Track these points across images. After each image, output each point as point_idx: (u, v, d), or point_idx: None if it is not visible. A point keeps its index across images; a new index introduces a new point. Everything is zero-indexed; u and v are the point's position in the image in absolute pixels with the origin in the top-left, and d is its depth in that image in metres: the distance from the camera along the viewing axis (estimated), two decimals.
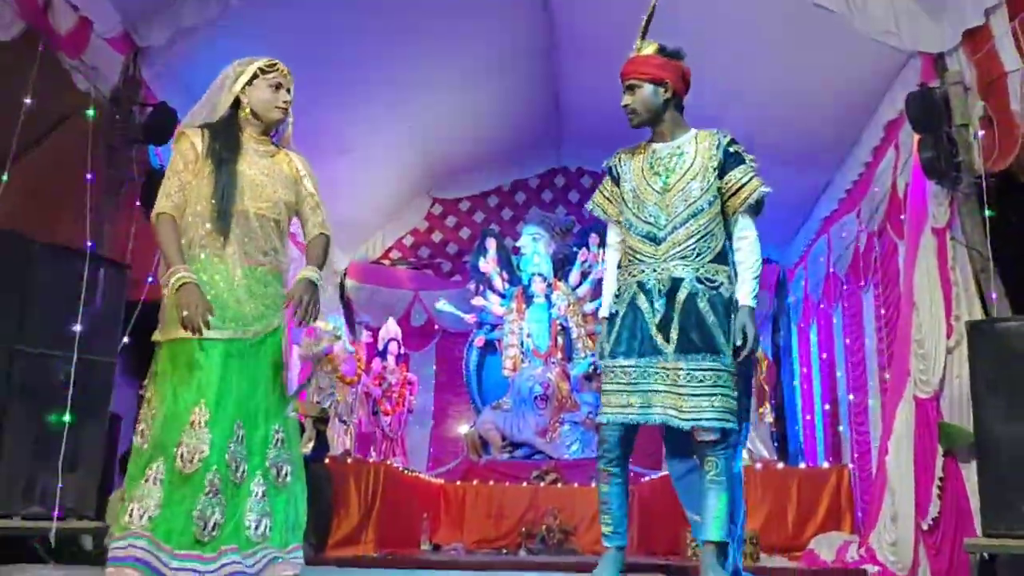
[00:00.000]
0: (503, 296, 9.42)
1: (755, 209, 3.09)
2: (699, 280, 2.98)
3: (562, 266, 9.48)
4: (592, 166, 10.02)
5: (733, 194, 3.07)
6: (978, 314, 4.36)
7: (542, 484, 7.75)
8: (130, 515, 2.59)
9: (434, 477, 8.11)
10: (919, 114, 4.66)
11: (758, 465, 6.60)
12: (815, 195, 7.49)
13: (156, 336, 2.88)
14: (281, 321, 2.98)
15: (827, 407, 7.70)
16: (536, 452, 8.61)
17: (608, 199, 3.27)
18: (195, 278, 2.75)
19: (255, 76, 3.04)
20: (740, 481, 3.18)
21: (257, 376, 2.86)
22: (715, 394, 2.89)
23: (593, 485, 7.57)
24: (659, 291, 2.99)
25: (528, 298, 9.22)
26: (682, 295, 2.96)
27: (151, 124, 5.20)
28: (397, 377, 8.65)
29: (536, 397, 8.67)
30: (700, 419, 2.88)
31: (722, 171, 3.07)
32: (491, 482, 7.85)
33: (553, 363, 8.95)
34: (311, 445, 5.96)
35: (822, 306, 7.77)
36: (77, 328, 4.22)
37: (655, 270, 3.01)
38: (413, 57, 6.97)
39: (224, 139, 3.00)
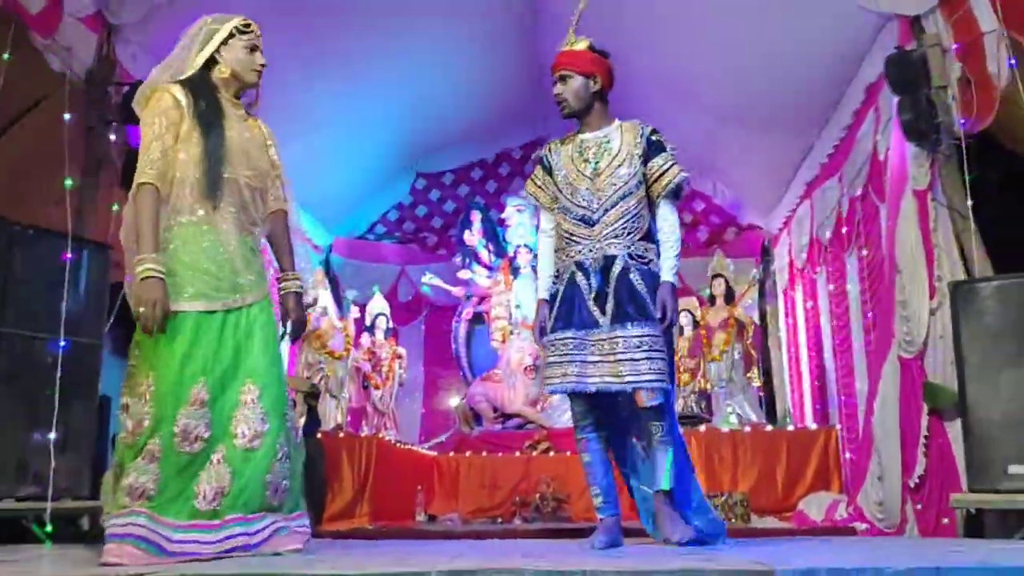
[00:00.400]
0: (490, 268, 9.42)
1: (675, 193, 3.35)
2: (631, 256, 3.23)
3: None
4: None
5: (655, 180, 3.32)
6: (960, 275, 4.40)
7: (534, 453, 7.81)
8: (128, 493, 2.57)
9: (427, 450, 8.16)
10: (898, 76, 4.67)
11: (747, 428, 6.68)
12: (797, 161, 7.50)
13: None
14: (268, 291, 2.96)
15: (814, 370, 7.77)
16: (528, 422, 8.66)
17: (540, 187, 3.46)
18: (163, 272, 2.67)
19: (231, 35, 2.96)
20: (683, 446, 3.43)
21: (258, 343, 2.83)
22: (652, 358, 3.11)
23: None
24: (595, 268, 3.22)
25: (515, 270, 9.23)
26: (616, 269, 3.20)
27: (127, 103, 5.14)
28: (386, 351, 8.66)
29: (526, 368, 8.70)
30: (640, 381, 3.09)
31: (645, 158, 3.33)
32: (484, 453, 7.90)
33: None
34: (303, 420, 5.98)
35: (807, 270, 7.81)
36: (63, 310, 4.21)
37: (591, 249, 3.25)
38: (395, 29, 6.91)
39: (208, 99, 2.90)
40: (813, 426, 7.08)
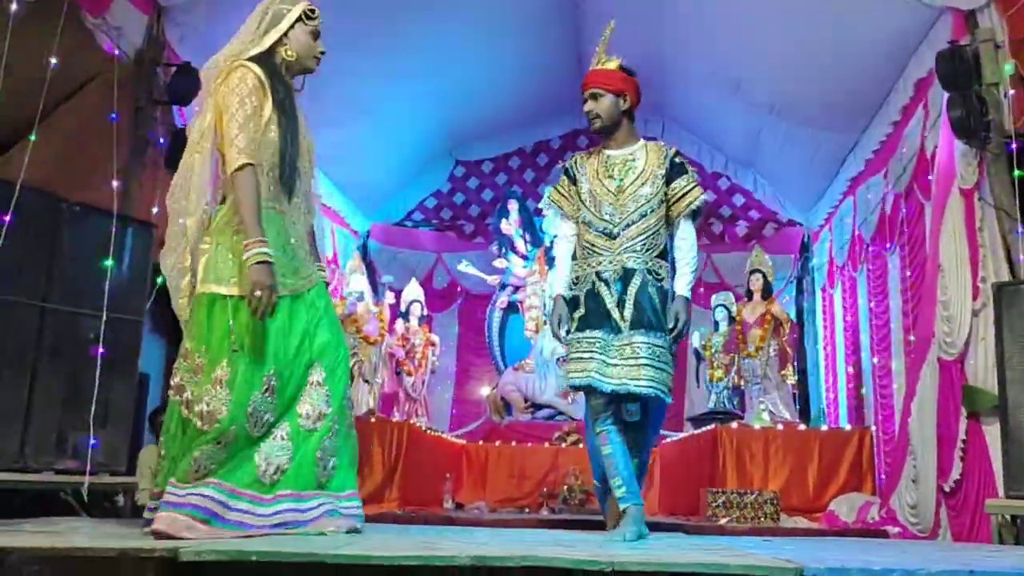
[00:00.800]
0: (525, 258, 9.42)
1: (695, 214, 3.48)
2: (648, 271, 3.37)
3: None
4: None
5: (677, 200, 3.45)
6: (1005, 276, 4.32)
7: (563, 445, 7.81)
8: (194, 467, 2.59)
9: (456, 437, 8.19)
10: (949, 72, 4.58)
11: (779, 426, 6.62)
12: (841, 156, 7.39)
13: (220, 289, 2.72)
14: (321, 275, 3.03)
15: (850, 369, 7.67)
16: (558, 413, 8.66)
17: (565, 196, 3.57)
18: (273, 256, 2.69)
19: (298, 19, 2.95)
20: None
21: (325, 326, 2.88)
22: (663, 369, 3.27)
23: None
24: (615, 279, 3.35)
25: (550, 259, 9.20)
26: (636, 282, 3.34)
27: (175, 84, 5.22)
28: (420, 338, 8.70)
29: (558, 359, 8.69)
30: (653, 388, 3.23)
31: (668, 179, 3.45)
32: (513, 443, 7.92)
33: None
34: None
35: (847, 268, 7.71)
36: (106, 286, 4.28)
37: (611, 261, 3.38)
38: (436, 19, 6.91)
39: (284, 84, 2.90)
40: (847, 426, 6.99)
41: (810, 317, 9.00)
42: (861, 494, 5.94)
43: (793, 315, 8.49)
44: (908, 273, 5.93)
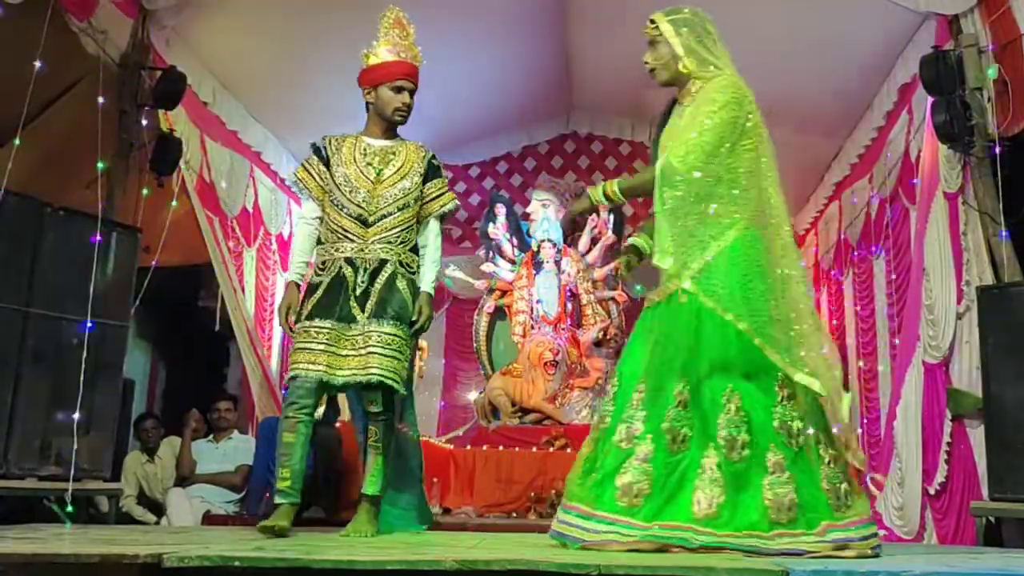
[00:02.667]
0: (513, 262, 9.41)
1: (443, 217, 3.61)
2: (400, 263, 3.41)
3: (572, 232, 9.45)
4: (602, 132, 9.96)
5: (431, 200, 3.55)
6: (989, 279, 4.35)
7: (552, 450, 7.79)
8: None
9: (444, 442, 8.16)
10: (933, 77, 4.61)
11: None
12: (827, 161, 7.43)
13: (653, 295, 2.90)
14: None
15: None
16: (546, 418, 8.64)
17: (313, 176, 3.51)
18: None
19: None
20: (418, 447, 3.78)
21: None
22: (395, 358, 3.29)
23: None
24: (365, 268, 3.35)
25: (538, 264, 9.21)
26: (386, 272, 3.36)
27: (160, 88, 5.20)
28: None
29: (546, 363, 8.68)
30: (381, 375, 3.23)
31: (425, 179, 3.54)
32: (501, 447, 7.89)
33: (563, 329, 8.96)
34: (322, 409, 6.01)
35: (832, 272, 7.74)
36: (91, 291, 4.26)
37: (363, 249, 3.37)
38: (421, 22, 6.89)
39: None
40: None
41: None
42: None
43: None
44: (893, 277, 5.96)
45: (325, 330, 3.26)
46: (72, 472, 4.12)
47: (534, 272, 9.19)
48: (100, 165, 4.66)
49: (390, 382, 3.24)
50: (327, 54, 6.19)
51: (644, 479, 2.62)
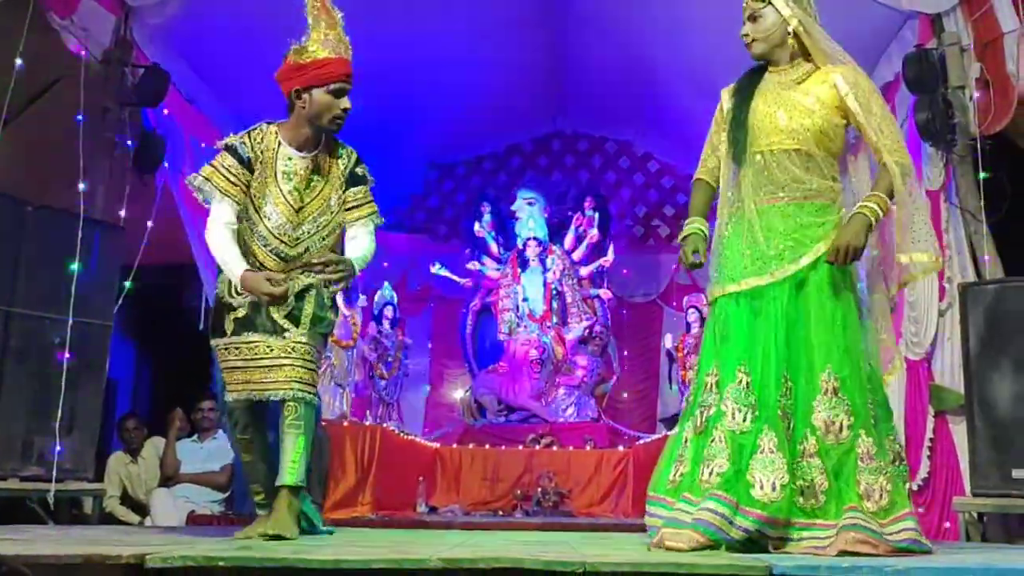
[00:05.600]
0: (499, 261, 9.42)
1: (372, 222, 3.24)
2: (325, 284, 3.06)
3: (557, 230, 9.47)
4: (589, 131, 9.97)
5: (349, 209, 3.17)
6: (971, 276, 4.39)
7: (538, 447, 7.80)
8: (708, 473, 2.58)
9: (430, 441, 8.16)
10: (915, 75, 4.64)
11: None
12: None
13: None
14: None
15: None
16: (532, 416, 8.65)
17: (231, 181, 3.02)
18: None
19: None
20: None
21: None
22: (310, 368, 3.01)
23: (588, 448, 7.68)
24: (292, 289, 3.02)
25: (523, 262, 9.22)
26: (311, 294, 3.03)
27: (143, 86, 5.17)
28: (393, 341, 8.67)
29: (532, 361, 8.70)
30: (302, 384, 2.97)
31: (349, 184, 3.16)
32: (487, 446, 7.90)
33: (549, 327, 8.98)
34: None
35: None
36: (74, 291, 4.23)
37: (286, 271, 3.05)
38: (411, 23, 6.90)
39: None
40: None
41: None
42: None
43: None
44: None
45: (254, 344, 2.99)
46: (55, 473, 4.09)
47: (520, 270, 9.20)
48: (82, 164, 4.63)
49: (304, 392, 2.98)
50: None
51: None
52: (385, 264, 9.73)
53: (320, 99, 2.99)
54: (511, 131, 10.05)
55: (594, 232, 9.16)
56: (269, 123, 3.12)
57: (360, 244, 3.16)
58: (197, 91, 6.02)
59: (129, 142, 5.20)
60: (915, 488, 4.59)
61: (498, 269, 9.37)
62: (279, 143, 3.06)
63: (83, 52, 4.90)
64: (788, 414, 2.63)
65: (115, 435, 5.75)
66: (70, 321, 4.23)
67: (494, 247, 9.47)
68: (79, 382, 4.32)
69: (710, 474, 2.58)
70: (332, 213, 3.12)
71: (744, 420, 2.61)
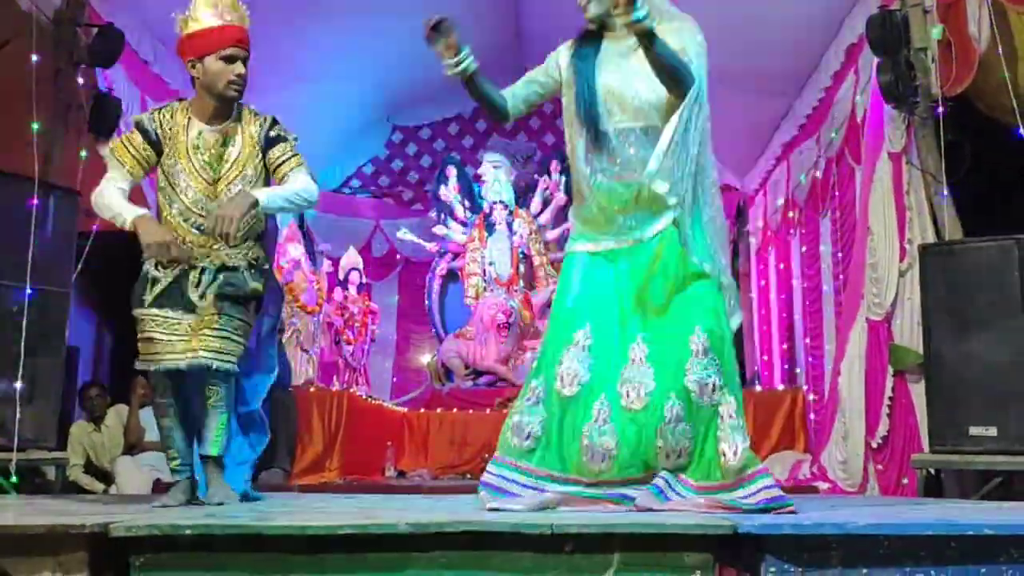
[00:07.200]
0: (465, 224, 9.38)
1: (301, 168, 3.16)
2: (249, 265, 3.10)
3: (524, 194, 9.45)
4: None
5: (277, 167, 3.12)
6: (931, 237, 4.44)
7: (505, 411, 7.81)
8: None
9: (397, 406, 8.17)
10: (879, 37, 4.65)
11: None
12: (775, 122, 7.48)
13: None
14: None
15: (783, 332, 7.84)
16: (499, 380, 8.69)
17: (131, 153, 3.05)
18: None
19: None
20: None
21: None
22: (224, 337, 3.03)
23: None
24: (211, 272, 3.05)
25: (489, 226, 9.20)
26: (231, 275, 3.06)
27: (97, 46, 5.02)
28: (359, 307, 8.63)
29: (499, 325, 8.71)
30: (219, 356, 3.01)
31: (266, 149, 3.12)
32: (454, 410, 7.92)
33: (516, 291, 8.99)
34: (274, 372, 5.95)
35: (780, 232, 7.84)
36: (30, 257, 4.14)
37: (208, 255, 3.06)
38: None
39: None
40: (781, 387, 7.15)
41: (745, 281, 9.15)
42: (793, 452, 6.10)
43: None
44: (839, 236, 6.06)
45: (172, 319, 3.00)
46: (16, 442, 4.04)
47: (486, 234, 9.18)
48: (35, 126, 4.51)
49: (226, 364, 3.03)
50: (270, 12, 6.04)
51: None
52: (349, 229, 9.68)
53: (211, 67, 3.01)
54: None
55: (561, 195, 9.15)
56: (181, 100, 3.19)
57: (291, 185, 3.08)
58: (153, 51, 5.86)
59: (83, 104, 5.07)
60: (875, 446, 4.69)
61: (464, 233, 9.34)
62: (189, 118, 3.09)
63: (33, 10, 4.75)
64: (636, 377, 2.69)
65: (77, 403, 5.68)
66: (27, 289, 4.15)
67: (460, 211, 9.43)
68: (39, 350, 4.25)
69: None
70: (251, 183, 3.08)
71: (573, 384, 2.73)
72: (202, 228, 3.03)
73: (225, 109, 3.10)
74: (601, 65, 2.86)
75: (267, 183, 3.13)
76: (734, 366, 2.76)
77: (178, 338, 3.00)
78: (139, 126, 3.08)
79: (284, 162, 3.12)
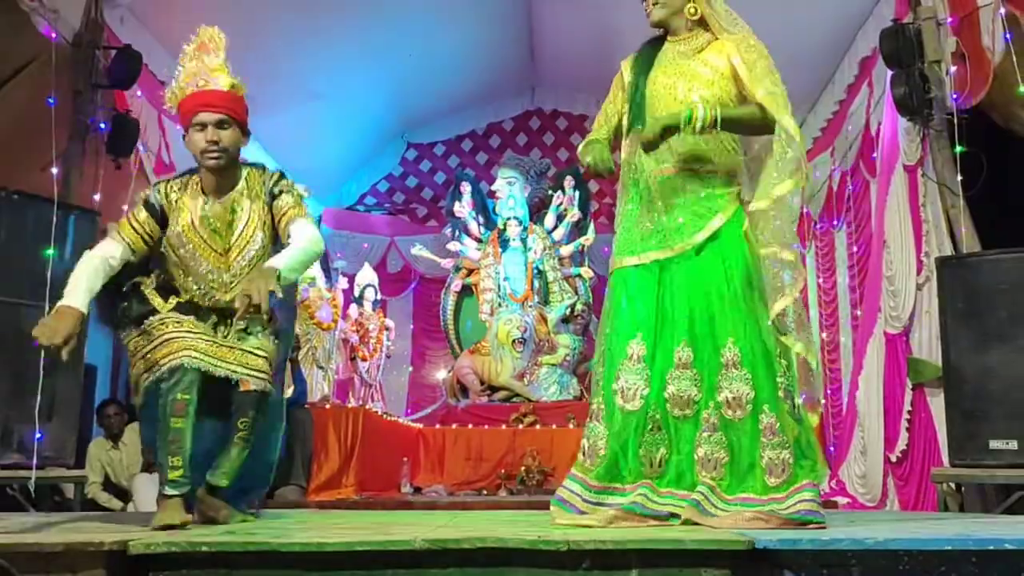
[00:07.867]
0: (479, 240, 9.40)
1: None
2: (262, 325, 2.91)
3: (538, 209, 9.46)
4: (567, 108, 9.93)
5: (280, 219, 2.94)
6: (948, 250, 4.42)
7: (521, 427, 7.83)
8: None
9: (413, 422, 8.17)
10: (892, 50, 4.65)
11: None
12: None
13: None
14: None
15: None
16: (514, 395, 8.68)
17: (132, 228, 2.88)
18: None
19: None
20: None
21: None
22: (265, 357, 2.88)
23: (571, 426, 7.71)
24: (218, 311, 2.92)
25: (504, 242, 9.21)
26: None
27: (115, 68, 5.09)
28: (374, 323, 8.64)
29: (514, 341, 8.71)
30: (254, 374, 2.84)
31: (270, 205, 2.96)
32: (470, 425, 7.92)
33: (530, 306, 8.99)
34: (291, 389, 5.98)
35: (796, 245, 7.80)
36: (49, 276, 4.18)
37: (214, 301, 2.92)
38: (387, 3, 6.84)
39: None
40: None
41: None
42: None
43: None
44: (855, 249, 6.03)
45: (197, 329, 2.83)
46: (35, 460, 4.06)
47: (500, 250, 9.19)
48: (55, 147, 4.56)
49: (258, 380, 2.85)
50: (286, 30, 6.11)
51: None
52: (365, 246, 9.72)
53: (191, 139, 2.87)
54: (490, 109, 10.01)
55: (574, 211, 9.16)
56: (194, 172, 2.99)
57: (297, 239, 2.86)
58: (170, 72, 5.93)
59: (102, 125, 5.13)
60: (894, 460, 4.65)
61: (479, 249, 9.36)
62: (196, 190, 2.94)
63: (53, 35, 4.82)
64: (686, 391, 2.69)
65: (95, 421, 5.72)
66: (47, 308, 4.18)
67: (474, 227, 9.45)
68: (57, 369, 4.27)
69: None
70: (264, 247, 2.93)
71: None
72: (210, 297, 2.90)
73: (225, 177, 2.93)
74: (658, 64, 2.91)
75: (276, 239, 2.97)
76: (773, 379, 2.69)
77: (204, 342, 2.78)
78: (145, 202, 2.92)
79: (287, 211, 2.92)
